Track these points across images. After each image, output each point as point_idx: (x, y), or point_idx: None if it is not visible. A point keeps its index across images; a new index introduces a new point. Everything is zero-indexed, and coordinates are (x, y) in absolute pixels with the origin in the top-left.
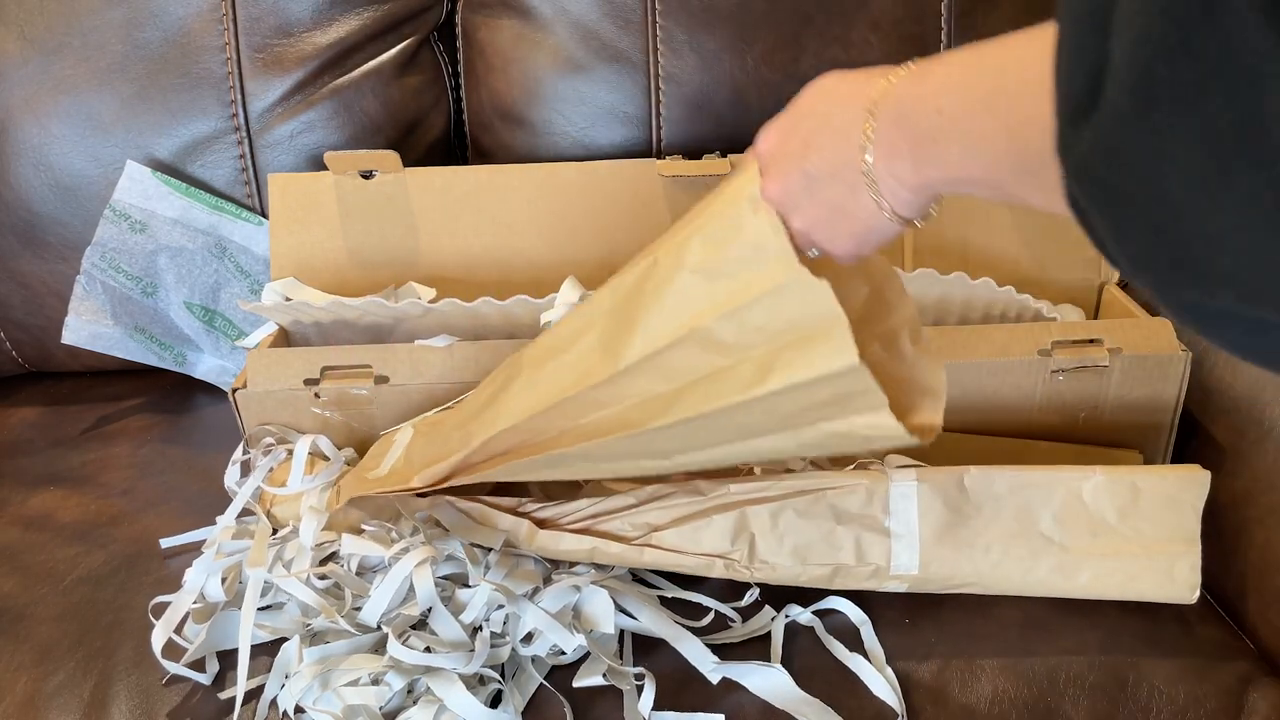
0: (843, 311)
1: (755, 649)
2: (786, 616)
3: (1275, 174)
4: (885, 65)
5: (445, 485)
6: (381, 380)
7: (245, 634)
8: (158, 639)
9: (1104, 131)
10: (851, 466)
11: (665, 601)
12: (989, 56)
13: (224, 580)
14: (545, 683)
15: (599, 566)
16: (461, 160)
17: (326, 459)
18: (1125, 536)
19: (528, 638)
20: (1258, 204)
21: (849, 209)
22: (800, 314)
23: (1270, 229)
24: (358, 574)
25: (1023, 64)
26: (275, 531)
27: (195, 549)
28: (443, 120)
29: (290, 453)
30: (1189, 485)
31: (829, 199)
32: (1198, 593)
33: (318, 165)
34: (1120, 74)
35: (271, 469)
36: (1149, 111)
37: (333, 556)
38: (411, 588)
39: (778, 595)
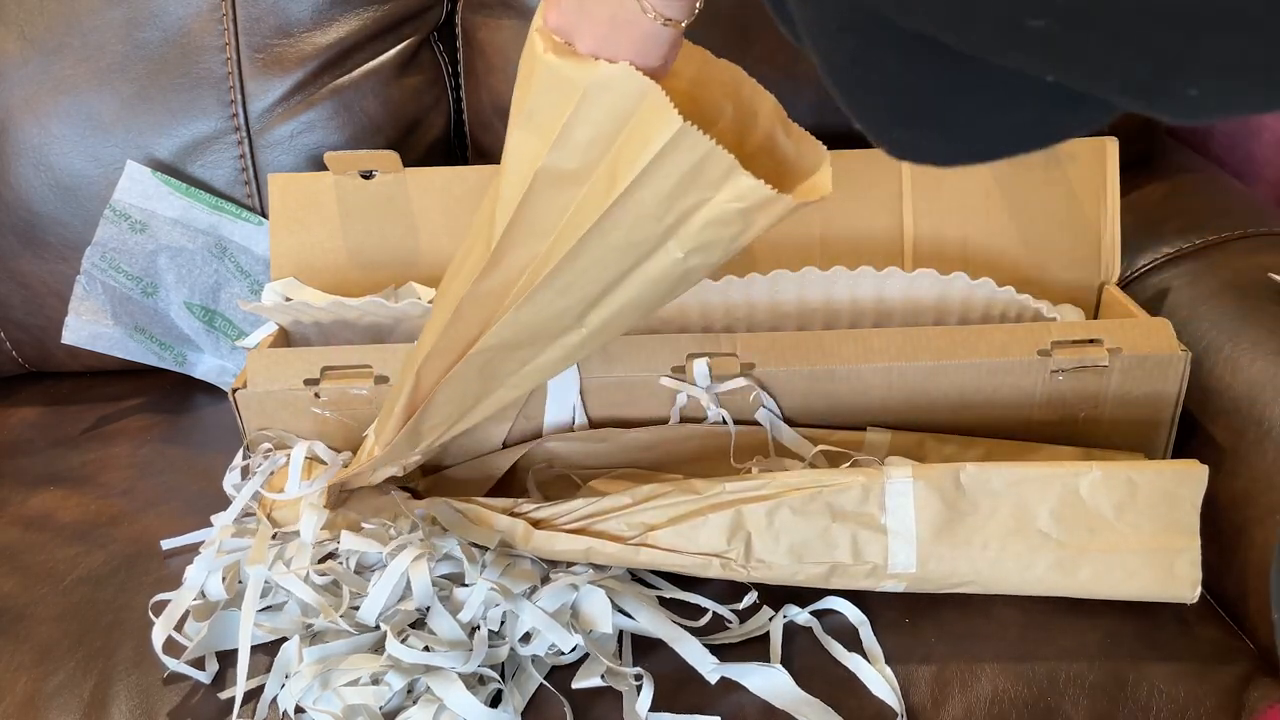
0: (652, 81)
1: (754, 649)
2: (785, 617)
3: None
4: None
5: (409, 434)
6: (381, 380)
7: (245, 633)
8: (158, 636)
9: None
10: (848, 464)
11: (664, 602)
12: None
13: (223, 579)
14: (545, 682)
15: (597, 566)
16: (461, 160)
17: (324, 464)
18: (1123, 533)
19: (526, 637)
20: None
21: (620, 19)
22: (618, 107)
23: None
24: (356, 573)
25: None
26: (274, 535)
27: (195, 549)
28: (443, 120)
29: (289, 458)
30: (1187, 480)
31: (601, 15)
32: (1199, 589)
33: (318, 165)
34: None
35: (270, 474)
36: None
37: (332, 555)
38: (409, 585)
39: (776, 596)
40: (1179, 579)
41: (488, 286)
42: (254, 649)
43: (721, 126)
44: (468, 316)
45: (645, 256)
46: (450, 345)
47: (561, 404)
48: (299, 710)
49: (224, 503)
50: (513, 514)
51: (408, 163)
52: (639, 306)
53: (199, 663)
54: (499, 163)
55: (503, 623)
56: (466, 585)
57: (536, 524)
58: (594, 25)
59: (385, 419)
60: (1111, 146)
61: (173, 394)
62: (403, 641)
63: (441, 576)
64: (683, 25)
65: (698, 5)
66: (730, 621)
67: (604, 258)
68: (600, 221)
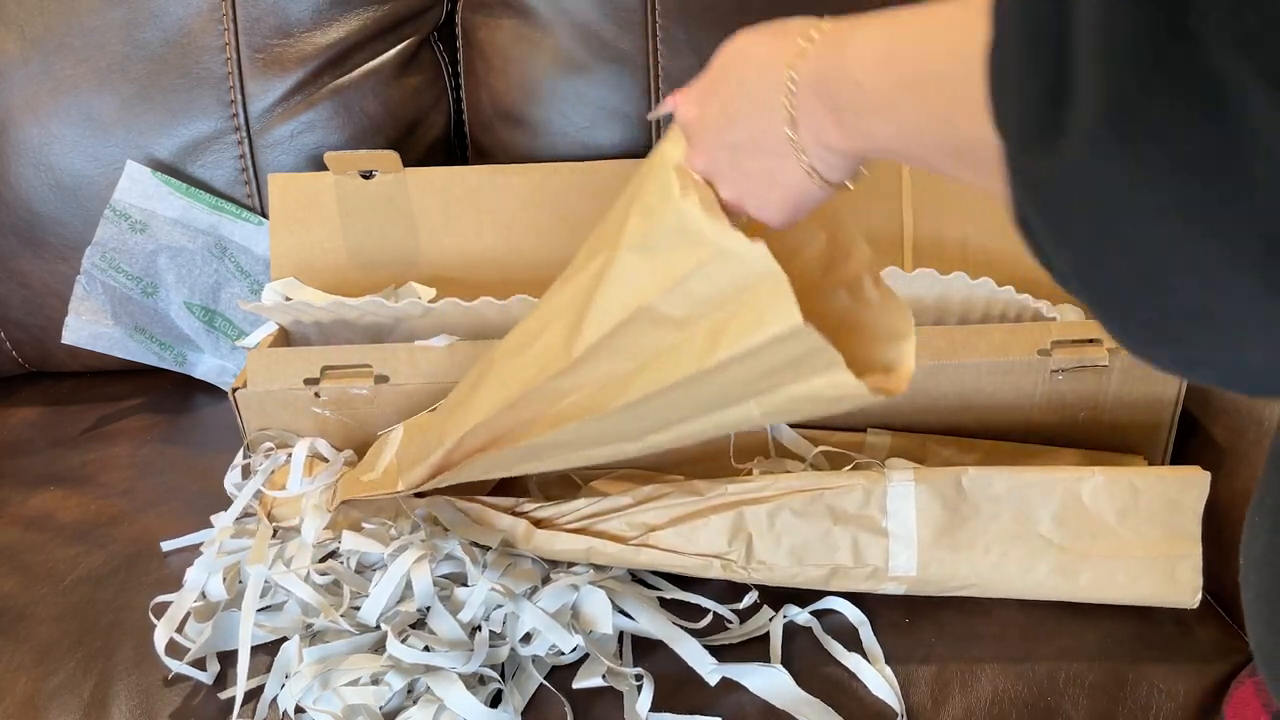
0: (782, 271)
1: (754, 650)
2: (785, 617)
3: (1260, 210)
4: (803, 18)
5: (433, 486)
6: (381, 380)
7: (245, 633)
8: (160, 638)
9: (1071, 161)
10: (849, 466)
11: (665, 603)
12: (907, 30)
13: (224, 579)
14: (545, 683)
15: (597, 567)
16: (461, 160)
17: (326, 461)
18: (1125, 538)
19: (526, 638)
20: (1243, 244)
21: (778, 178)
22: (741, 278)
23: (1257, 272)
24: (357, 572)
25: (948, 48)
26: (275, 533)
27: (196, 550)
28: (443, 120)
29: (290, 456)
30: (1189, 486)
31: (756, 169)
32: (1199, 595)
33: (318, 165)
34: (1089, 100)
35: (271, 473)
36: (1125, 141)
37: (333, 554)
38: (410, 585)
39: (776, 596)
40: (1180, 584)
41: (558, 386)
42: (254, 649)
43: (808, 255)
44: (530, 404)
45: (724, 407)
46: (503, 425)
47: None
48: (299, 710)
49: (224, 503)
50: (514, 513)
51: (408, 163)
52: (699, 439)
53: (200, 663)
54: (499, 162)
55: (504, 622)
56: (467, 585)
57: (538, 524)
58: (745, 179)
59: (414, 457)
60: None
61: (173, 394)
62: (403, 641)
63: (442, 576)
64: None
65: (863, 169)
66: (730, 622)
67: (684, 403)
68: (692, 379)
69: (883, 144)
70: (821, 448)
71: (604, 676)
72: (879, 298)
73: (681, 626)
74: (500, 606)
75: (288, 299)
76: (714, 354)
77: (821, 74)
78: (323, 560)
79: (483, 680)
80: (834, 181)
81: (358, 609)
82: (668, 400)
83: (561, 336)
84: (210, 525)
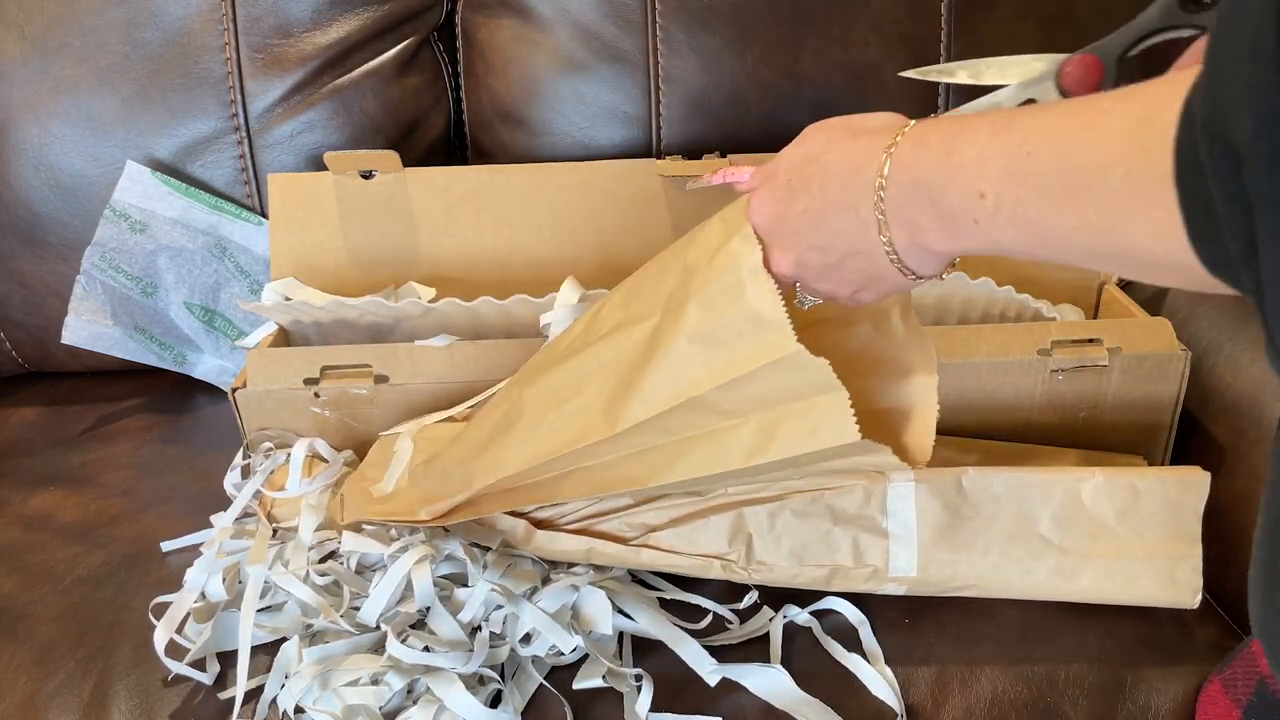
0: (844, 387)
1: (754, 650)
2: (785, 617)
3: None
4: (880, 117)
5: (453, 521)
6: (381, 380)
7: (245, 633)
8: (160, 639)
9: None
10: None
11: (664, 603)
12: (1044, 141)
13: (224, 579)
14: (545, 683)
15: (597, 567)
16: (461, 160)
17: (325, 461)
18: (1125, 539)
19: (526, 638)
20: None
21: (871, 275)
22: (799, 388)
23: None
24: (357, 572)
25: (1109, 161)
26: (275, 533)
27: (195, 550)
28: (443, 120)
29: (290, 457)
30: (1189, 487)
31: (849, 271)
32: (1200, 596)
33: (318, 165)
34: None
35: (271, 473)
36: None
37: (333, 555)
38: (410, 586)
39: (776, 596)
40: (1180, 585)
41: (595, 451)
42: (254, 649)
43: None
44: (565, 463)
45: (759, 477)
46: (534, 476)
47: None
48: (299, 710)
49: (224, 503)
50: (514, 514)
51: (408, 163)
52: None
53: (200, 664)
54: (499, 162)
55: (504, 623)
56: (467, 586)
57: (538, 524)
58: (837, 277)
59: (437, 490)
60: None
61: (173, 394)
62: (403, 642)
63: (442, 577)
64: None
65: (956, 260)
66: (730, 622)
67: (726, 479)
68: (743, 470)
69: (1006, 247)
70: None
71: (604, 677)
72: (904, 331)
73: (681, 627)
74: (500, 607)
75: (287, 299)
76: (765, 453)
77: (921, 184)
78: (323, 560)
79: (482, 680)
80: (929, 276)
81: (357, 609)
82: (710, 480)
83: (602, 401)
84: (210, 525)
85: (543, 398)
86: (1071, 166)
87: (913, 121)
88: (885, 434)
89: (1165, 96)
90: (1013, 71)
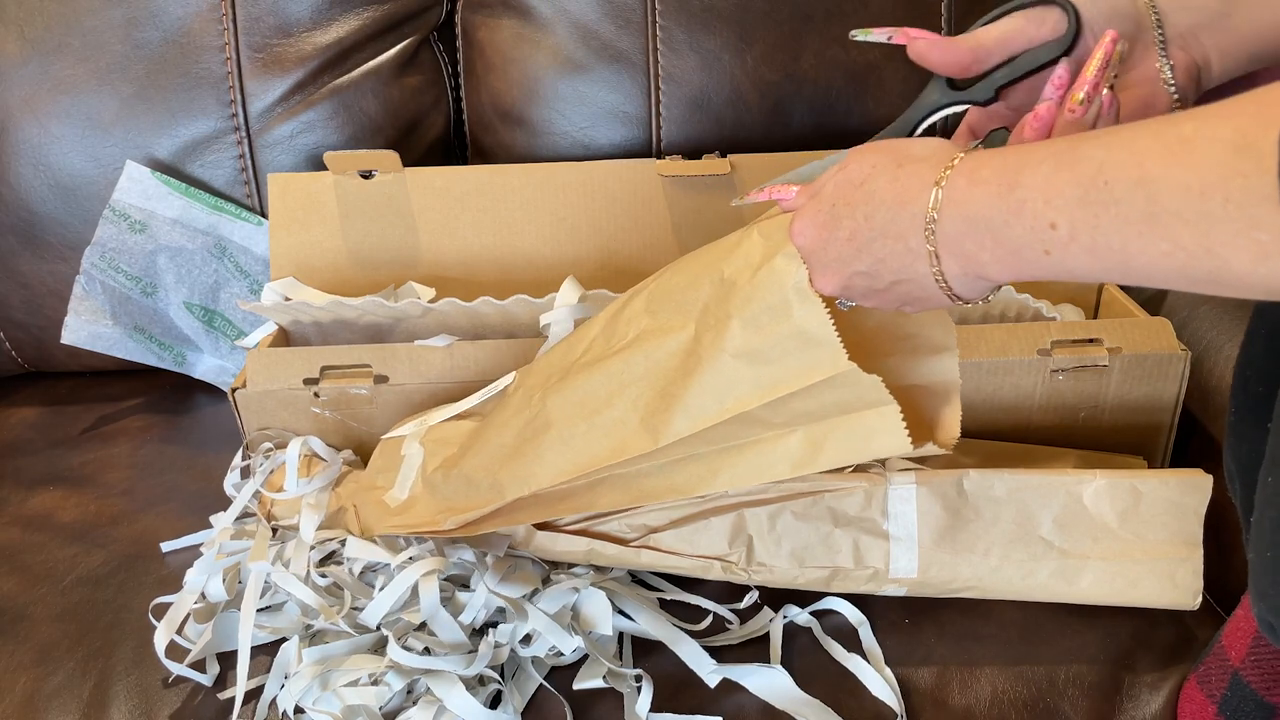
0: (895, 401)
1: (754, 650)
2: (785, 617)
3: None
4: (920, 148)
5: (481, 531)
6: (381, 380)
7: (245, 633)
8: (160, 640)
9: None
10: (851, 469)
11: (665, 604)
12: (1121, 171)
13: (224, 580)
14: (545, 683)
15: (598, 568)
16: (461, 160)
17: (323, 460)
18: (1126, 541)
19: (526, 639)
20: None
21: (919, 298)
22: (851, 399)
23: None
24: (360, 574)
25: (1206, 185)
26: (275, 533)
27: (195, 550)
28: (443, 120)
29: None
30: (1191, 490)
31: (895, 295)
32: (1200, 598)
33: (318, 165)
34: None
35: (270, 473)
36: None
37: (333, 555)
38: (414, 592)
39: (776, 596)
40: (1181, 587)
41: (635, 462)
42: (254, 649)
43: None
44: (602, 473)
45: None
46: (569, 486)
47: None
48: (298, 711)
49: (224, 503)
50: None
51: (408, 163)
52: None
53: (200, 665)
54: (499, 162)
55: (511, 632)
56: (468, 588)
57: (538, 525)
58: (883, 298)
59: (463, 500)
60: None
61: (172, 394)
62: (403, 642)
63: (444, 579)
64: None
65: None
66: (731, 622)
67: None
68: (787, 479)
69: (1080, 273)
70: None
71: (604, 678)
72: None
73: (681, 627)
74: (502, 609)
75: (287, 299)
76: (814, 464)
77: (978, 219)
78: (323, 561)
79: (482, 681)
80: (968, 300)
81: (358, 609)
82: (755, 485)
83: (639, 414)
84: (210, 525)
85: (571, 407)
86: (1157, 194)
87: (960, 153)
88: (910, 414)
89: (1254, 122)
90: (819, 171)
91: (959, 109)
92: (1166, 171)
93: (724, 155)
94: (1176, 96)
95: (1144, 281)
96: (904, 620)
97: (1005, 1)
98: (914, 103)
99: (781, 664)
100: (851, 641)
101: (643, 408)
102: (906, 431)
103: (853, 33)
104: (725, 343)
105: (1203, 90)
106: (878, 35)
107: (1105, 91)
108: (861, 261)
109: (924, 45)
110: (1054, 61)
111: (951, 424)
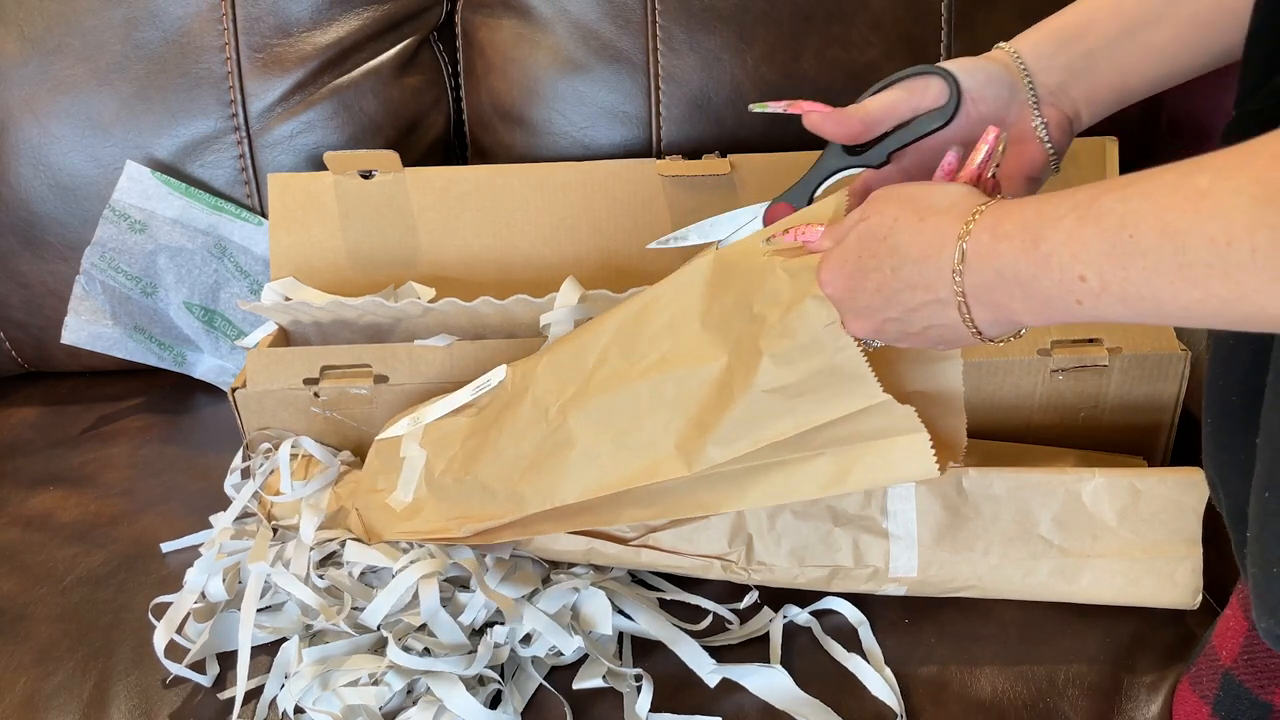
0: (925, 428)
1: (754, 650)
2: (785, 617)
3: None
4: (940, 198)
5: (497, 540)
6: (381, 379)
7: (245, 632)
8: (160, 640)
9: None
10: None
11: (665, 604)
12: (1144, 224)
13: (224, 579)
14: (545, 683)
15: (597, 568)
16: (461, 160)
17: (319, 460)
18: (1126, 539)
19: (526, 638)
20: None
21: (949, 340)
22: (881, 427)
23: None
24: (360, 575)
25: (1232, 236)
26: (275, 533)
27: (195, 550)
28: (443, 120)
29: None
30: (1190, 488)
31: (926, 338)
32: (1200, 597)
33: (318, 165)
34: None
35: (270, 473)
36: None
37: (333, 556)
38: (415, 594)
39: (776, 596)
40: (1180, 586)
41: (664, 485)
42: (254, 649)
43: None
44: (634, 492)
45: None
46: (593, 502)
47: None
48: (298, 711)
49: (224, 503)
50: None
51: (408, 163)
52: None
53: (200, 665)
54: (499, 162)
55: (507, 634)
56: (468, 589)
57: None
58: (913, 340)
59: (480, 510)
60: (1111, 146)
61: (172, 394)
62: (402, 642)
63: (444, 580)
64: None
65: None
66: (731, 622)
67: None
68: (814, 502)
69: (1114, 319)
70: None
71: (604, 677)
72: None
73: (681, 627)
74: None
75: (287, 299)
76: (842, 485)
77: (1006, 273)
78: (324, 561)
79: (482, 681)
80: (992, 338)
81: (358, 610)
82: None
83: (672, 438)
84: (210, 526)
85: (595, 425)
86: (1185, 245)
87: (980, 204)
88: None
89: (1272, 171)
90: (726, 225)
91: (855, 171)
92: (1189, 225)
93: (724, 155)
94: (1052, 150)
95: (1181, 323)
96: (904, 620)
97: (890, 73)
98: (813, 165)
99: (781, 664)
100: (851, 641)
101: (675, 433)
102: (935, 458)
103: (751, 106)
104: (757, 379)
105: (1073, 137)
106: (774, 107)
107: (989, 177)
108: (893, 309)
109: (818, 118)
110: (942, 127)
111: (957, 435)
